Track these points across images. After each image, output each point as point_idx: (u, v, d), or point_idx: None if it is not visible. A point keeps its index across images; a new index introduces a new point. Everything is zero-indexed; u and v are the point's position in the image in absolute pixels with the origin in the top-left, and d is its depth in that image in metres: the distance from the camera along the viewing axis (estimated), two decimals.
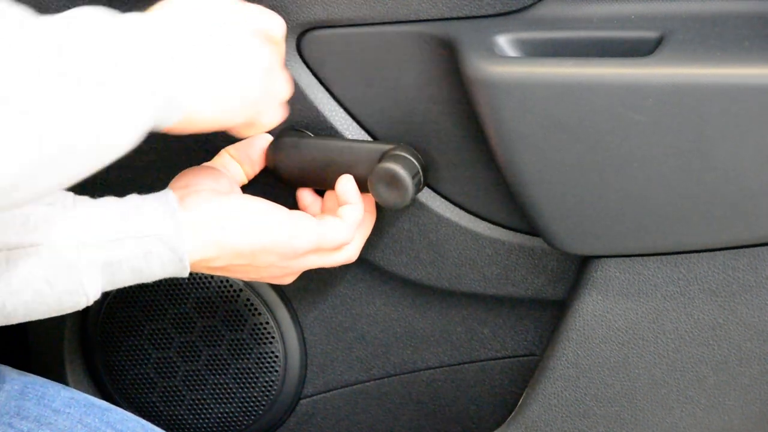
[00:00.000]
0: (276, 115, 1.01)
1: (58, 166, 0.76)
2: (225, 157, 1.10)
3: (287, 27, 1.06)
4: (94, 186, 1.07)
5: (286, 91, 1.01)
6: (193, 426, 1.27)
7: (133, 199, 0.97)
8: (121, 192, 0.99)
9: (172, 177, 1.06)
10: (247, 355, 1.23)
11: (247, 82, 0.94)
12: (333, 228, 1.04)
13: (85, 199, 0.96)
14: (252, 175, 1.11)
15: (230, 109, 0.93)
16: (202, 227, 0.97)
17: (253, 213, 1.01)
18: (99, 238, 0.93)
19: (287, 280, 1.08)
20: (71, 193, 0.95)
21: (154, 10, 0.91)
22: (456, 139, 1.08)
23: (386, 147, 1.07)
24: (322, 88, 1.10)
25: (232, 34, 0.94)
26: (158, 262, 0.95)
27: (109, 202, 0.96)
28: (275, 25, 1.00)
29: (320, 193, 1.11)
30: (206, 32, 0.91)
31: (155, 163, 1.15)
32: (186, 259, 0.96)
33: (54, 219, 0.92)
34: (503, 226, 1.12)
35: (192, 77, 0.87)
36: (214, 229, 0.98)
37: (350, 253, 1.07)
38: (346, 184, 1.06)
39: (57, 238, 0.91)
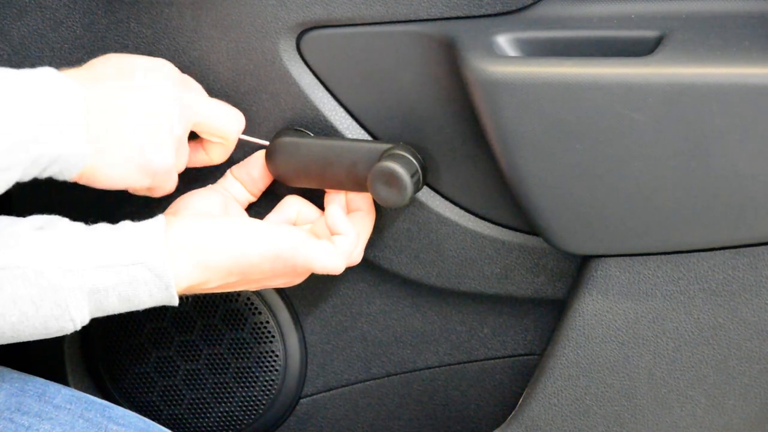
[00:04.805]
0: (171, 189, 1.04)
1: None
2: (228, 178, 1.11)
3: (287, 27, 1.07)
4: (91, 211, 1.08)
5: (184, 165, 1.05)
6: (194, 425, 1.27)
7: (124, 226, 0.97)
8: (117, 218, 1.00)
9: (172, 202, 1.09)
10: (247, 355, 1.23)
11: (150, 155, 0.99)
12: (323, 253, 1.03)
13: (77, 226, 0.96)
14: (257, 193, 1.12)
15: (128, 176, 0.98)
16: (185, 252, 0.98)
17: (235, 232, 1.01)
18: (85, 264, 0.93)
19: (298, 281, 1.08)
20: (66, 219, 0.96)
21: (83, 67, 0.99)
22: (456, 139, 1.08)
23: (385, 146, 1.07)
24: (322, 88, 1.10)
25: (150, 101, 0.99)
26: (145, 290, 0.96)
27: (100, 229, 0.97)
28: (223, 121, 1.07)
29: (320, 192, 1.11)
30: (121, 96, 0.97)
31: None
32: (172, 286, 0.96)
33: (42, 243, 0.93)
34: (503, 226, 1.12)
35: (91, 140, 0.93)
36: (197, 253, 0.98)
37: (354, 258, 1.07)
38: (334, 215, 1.06)
39: (43, 262, 0.92)
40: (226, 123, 1.06)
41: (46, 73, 0.91)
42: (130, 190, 1.03)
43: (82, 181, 0.96)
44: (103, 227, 0.97)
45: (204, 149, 1.08)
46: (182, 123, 1.02)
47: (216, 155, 1.09)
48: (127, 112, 0.97)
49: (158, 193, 1.04)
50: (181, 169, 1.05)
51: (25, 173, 0.90)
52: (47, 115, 0.89)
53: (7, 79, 0.89)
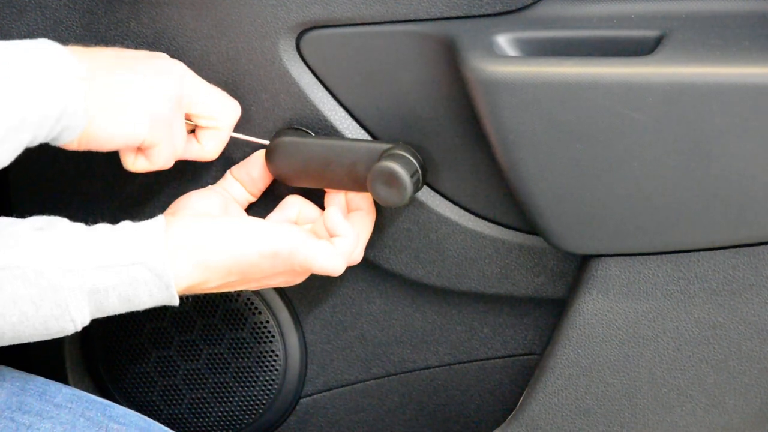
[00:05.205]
0: (169, 160, 1.03)
1: None
2: (228, 179, 1.11)
3: (286, 27, 1.07)
4: (90, 212, 1.08)
5: (181, 142, 1.04)
6: (194, 425, 1.27)
7: (123, 226, 0.98)
8: (117, 218, 1.00)
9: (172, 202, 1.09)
10: (248, 354, 1.23)
11: (147, 100, 0.98)
12: (322, 253, 1.03)
13: (77, 226, 0.96)
14: (257, 194, 1.12)
15: (125, 124, 0.97)
16: (184, 252, 0.98)
17: (235, 231, 1.01)
18: (85, 265, 0.93)
19: (298, 280, 1.08)
20: (65, 220, 0.96)
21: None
22: (456, 139, 1.08)
23: (385, 146, 1.07)
24: (321, 88, 1.10)
25: (148, 64, 1.00)
26: (145, 290, 0.96)
27: (100, 229, 0.97)
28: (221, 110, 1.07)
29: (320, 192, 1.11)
30: (119, 61, 0.98)
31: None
32: (172, 286, 0.96)
33: (42, 243, 0.93)
34: (503, 225, 1.12)
35: (90, 98, 0.93)
36: (197, 253, 0.99)
37: (354, 257, 1.07)
38: (332, 217, 1.06)
39: (43, 262, 0.92)
40: (221, 106, 1.06)
41: (42, 40, 0.92)
42: (129, 165, 1.03)
43: (82, 146, 0.96)
44: (103, 227, 0.97)
45: (197, 139, 1.08)
46: (180, 87, 1.02)
47: (209, 145, 1.08)
48: (125, 73, 0.98)
49: (155, 161, 1.02)
50: (178, 150, 1.04)
51: (34, 136, 0.90)
52: (49, 75, 0.90)
53: (6, 47, 0.90)
